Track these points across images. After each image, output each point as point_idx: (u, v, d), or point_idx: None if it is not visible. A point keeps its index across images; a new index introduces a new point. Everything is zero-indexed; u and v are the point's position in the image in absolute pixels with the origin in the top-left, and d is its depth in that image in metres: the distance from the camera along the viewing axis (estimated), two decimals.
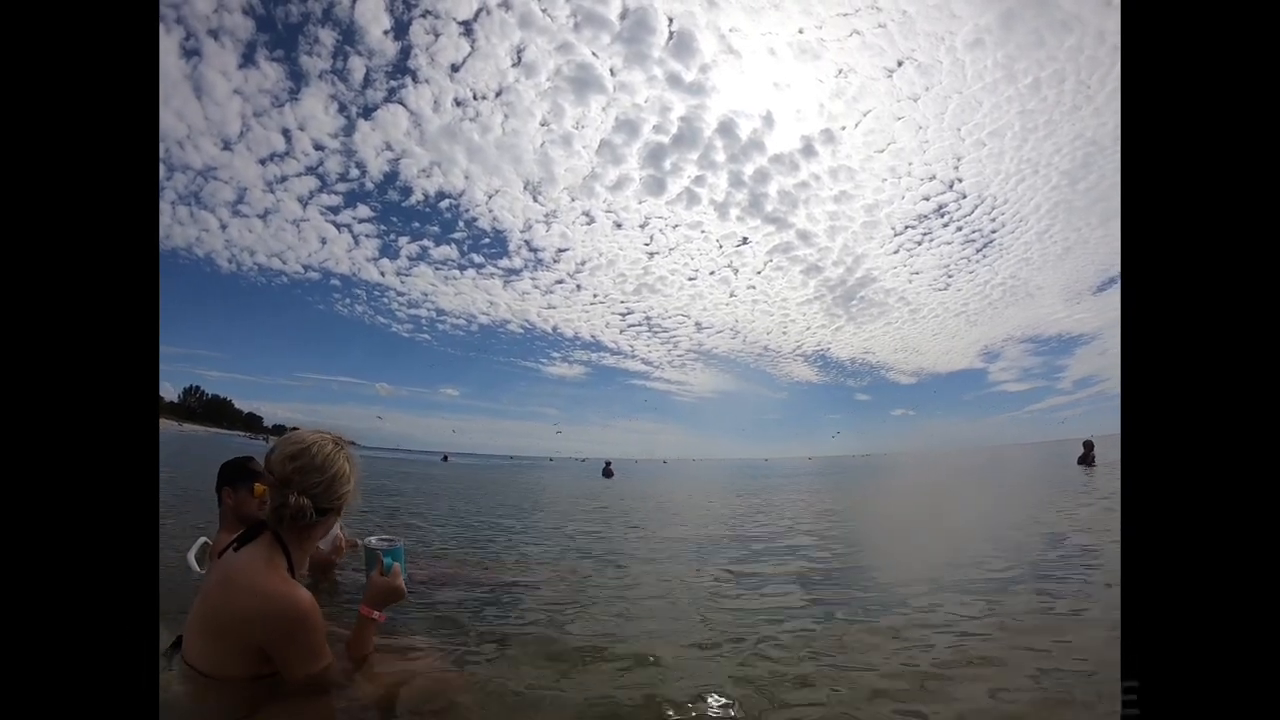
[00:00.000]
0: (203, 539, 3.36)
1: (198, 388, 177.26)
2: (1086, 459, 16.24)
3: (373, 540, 2.02)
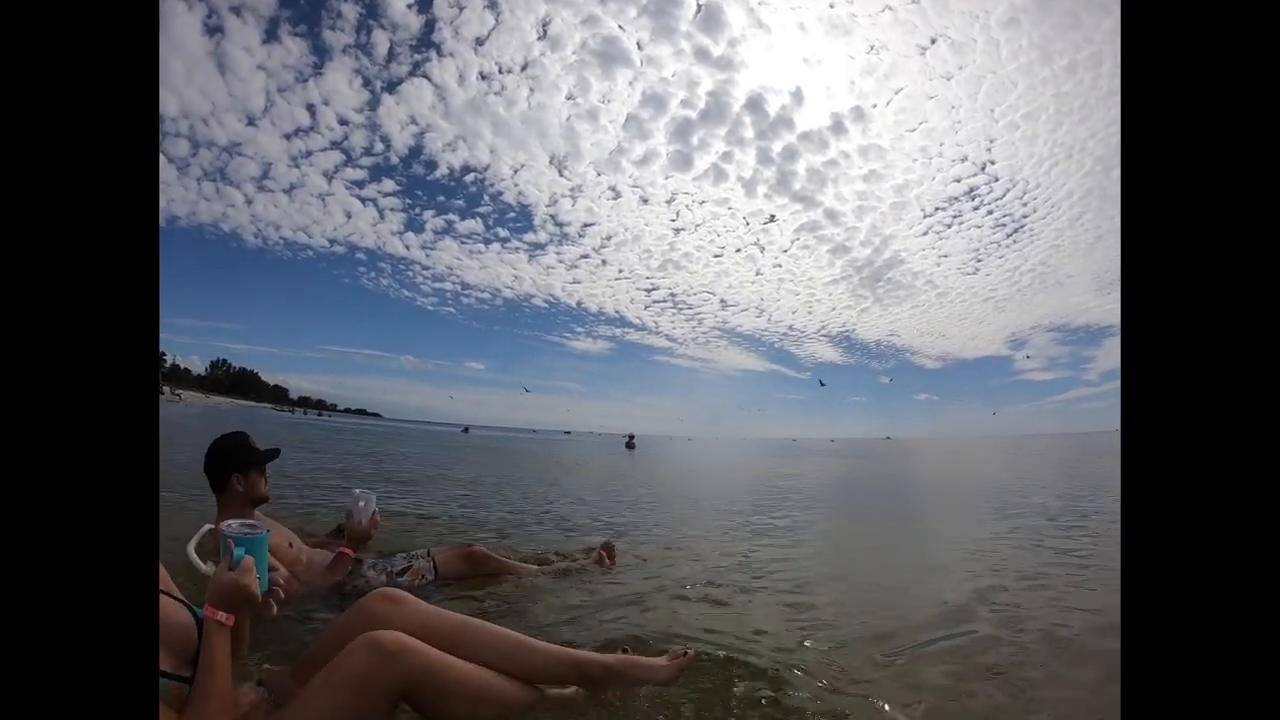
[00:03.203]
0: (207, 526, 2.86)
1: (225, 361, 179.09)
2: None
3: (233, 524, 1.59)
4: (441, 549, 3.26)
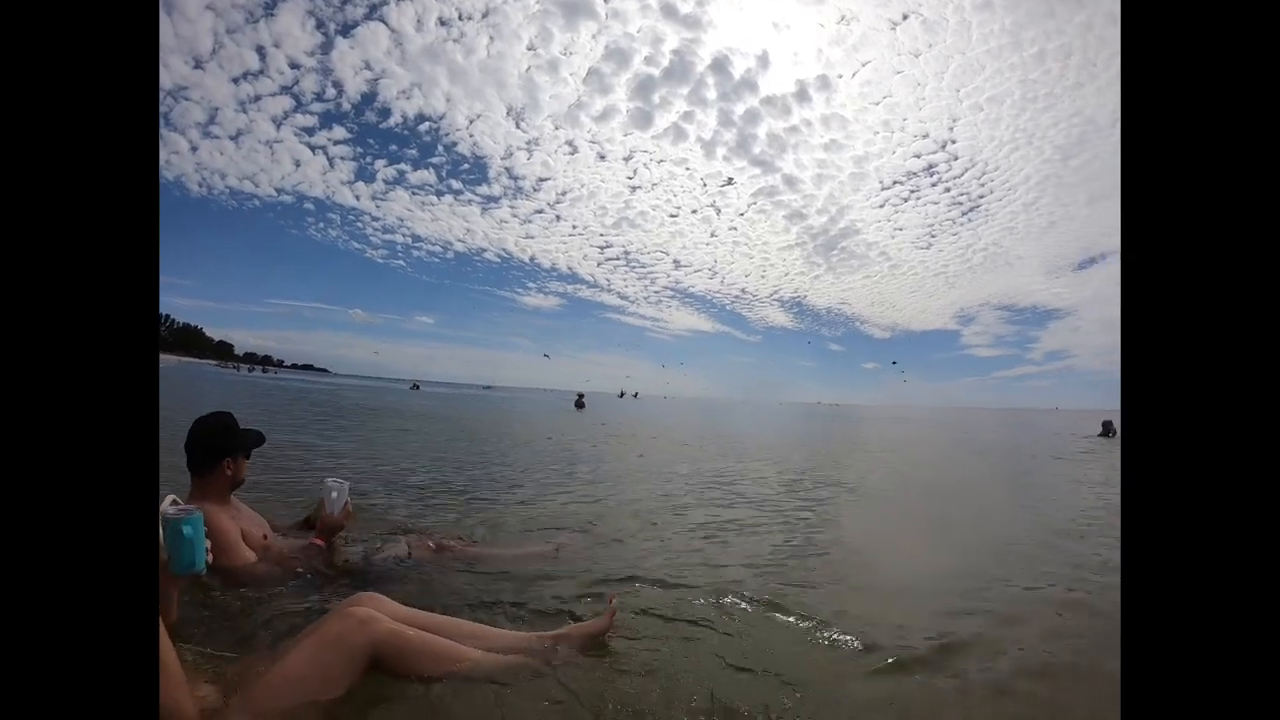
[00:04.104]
0: (169, 496, 2.65)
1: (167, 316, 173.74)
2: (1108, 433, 18.71)
3: (169, 511, 1.58)
4: (411, 536, 3.25)
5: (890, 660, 2.22)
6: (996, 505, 6.06)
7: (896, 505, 5.46)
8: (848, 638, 2.41)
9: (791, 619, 2.62)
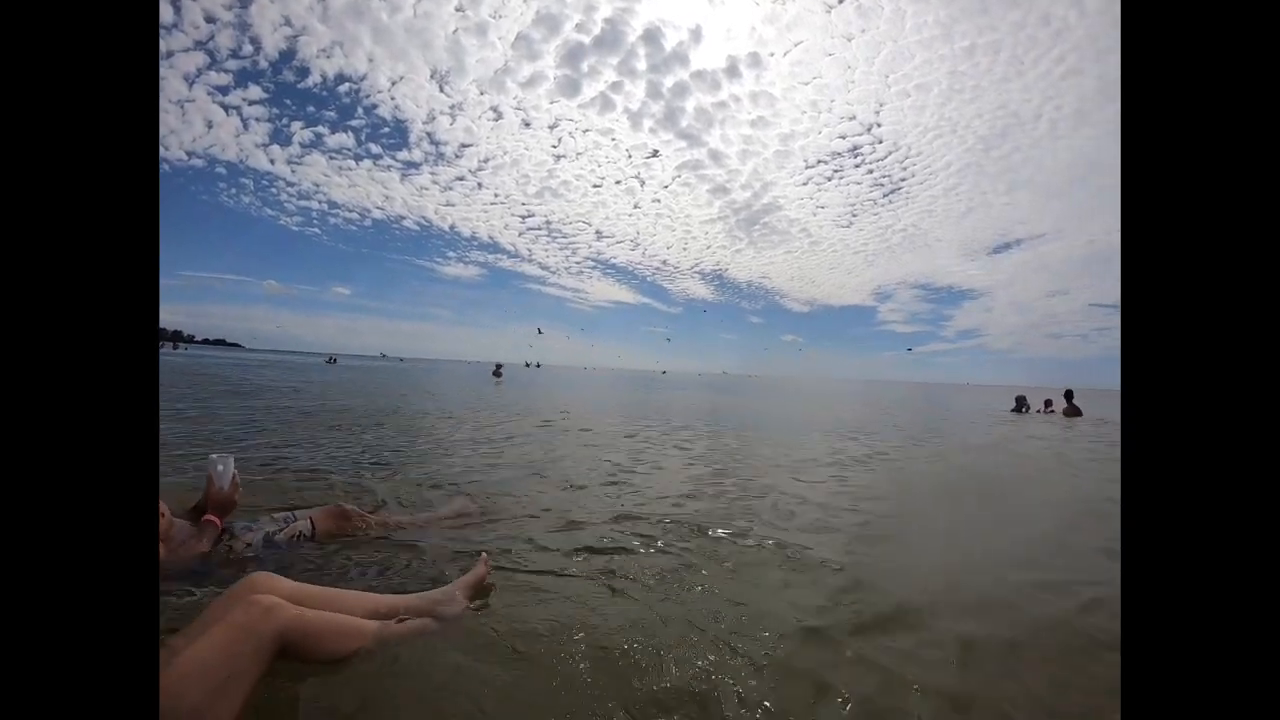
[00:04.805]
0: None
1: None
2: (1020, 408, 19.75)
3: None
4: (311, 510, 3.23)
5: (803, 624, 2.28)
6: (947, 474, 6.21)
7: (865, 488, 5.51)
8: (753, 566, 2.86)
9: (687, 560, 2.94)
